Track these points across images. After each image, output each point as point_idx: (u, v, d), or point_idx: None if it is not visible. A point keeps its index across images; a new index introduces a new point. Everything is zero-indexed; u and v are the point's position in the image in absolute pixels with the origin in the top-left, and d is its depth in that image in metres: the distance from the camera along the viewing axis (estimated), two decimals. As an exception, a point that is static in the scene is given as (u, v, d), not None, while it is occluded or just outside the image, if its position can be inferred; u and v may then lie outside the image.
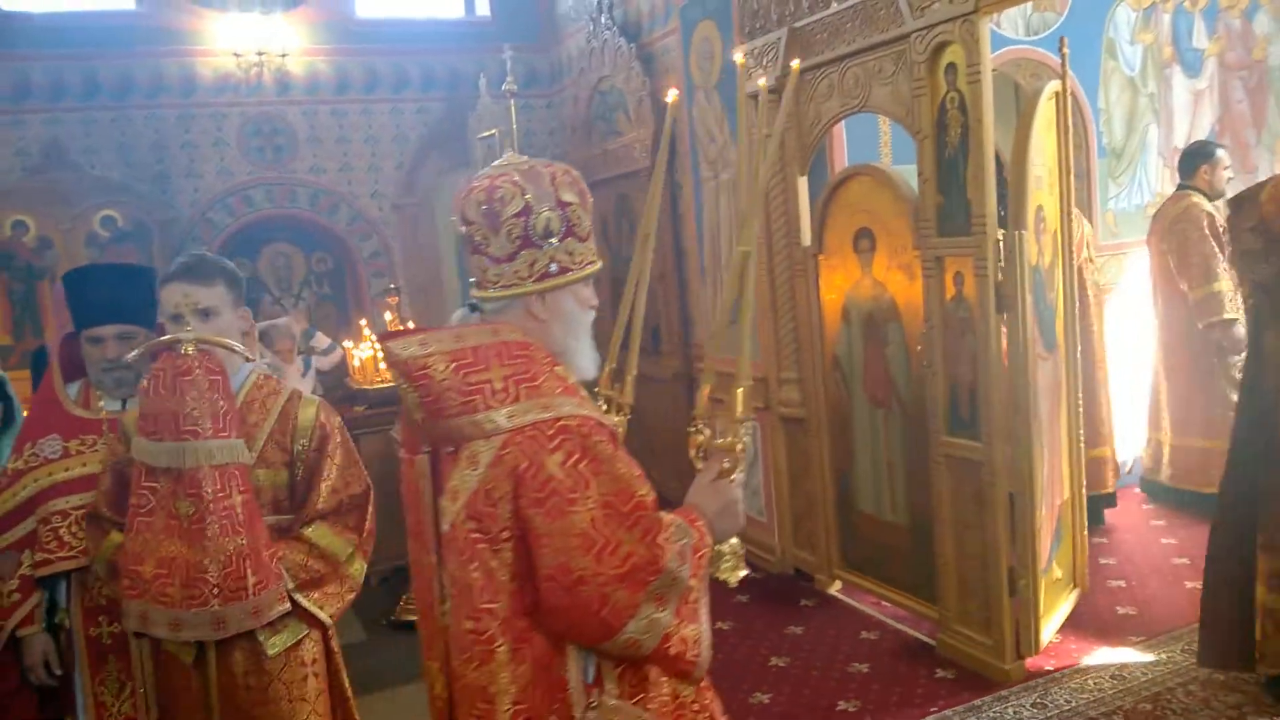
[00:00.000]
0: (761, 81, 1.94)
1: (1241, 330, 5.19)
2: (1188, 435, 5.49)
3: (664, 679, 1.68)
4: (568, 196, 1.69)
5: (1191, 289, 5.23)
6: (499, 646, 1.59)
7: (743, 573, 1.82)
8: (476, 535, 1.58)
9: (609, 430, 1.63)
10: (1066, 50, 4.15)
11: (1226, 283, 5.11)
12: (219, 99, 7.23)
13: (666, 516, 1.64)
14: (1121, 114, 6.18)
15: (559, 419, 1.57)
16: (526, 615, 1.59)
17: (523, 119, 7.65)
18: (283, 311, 6.80)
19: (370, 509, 2.57)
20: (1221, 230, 5.06)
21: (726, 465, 1.75)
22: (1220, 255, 5.11)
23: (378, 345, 5.28)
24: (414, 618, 2.85)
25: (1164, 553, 5.03)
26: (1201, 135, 6.39)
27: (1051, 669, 3.85)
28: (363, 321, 6.23)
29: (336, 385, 6.15)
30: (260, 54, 7.09)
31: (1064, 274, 4.17)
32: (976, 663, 3.87)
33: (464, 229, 1.72)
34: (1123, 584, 4.65)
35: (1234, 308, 5.08)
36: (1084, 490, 4.40)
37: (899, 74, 3.93)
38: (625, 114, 6.56)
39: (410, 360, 1.59)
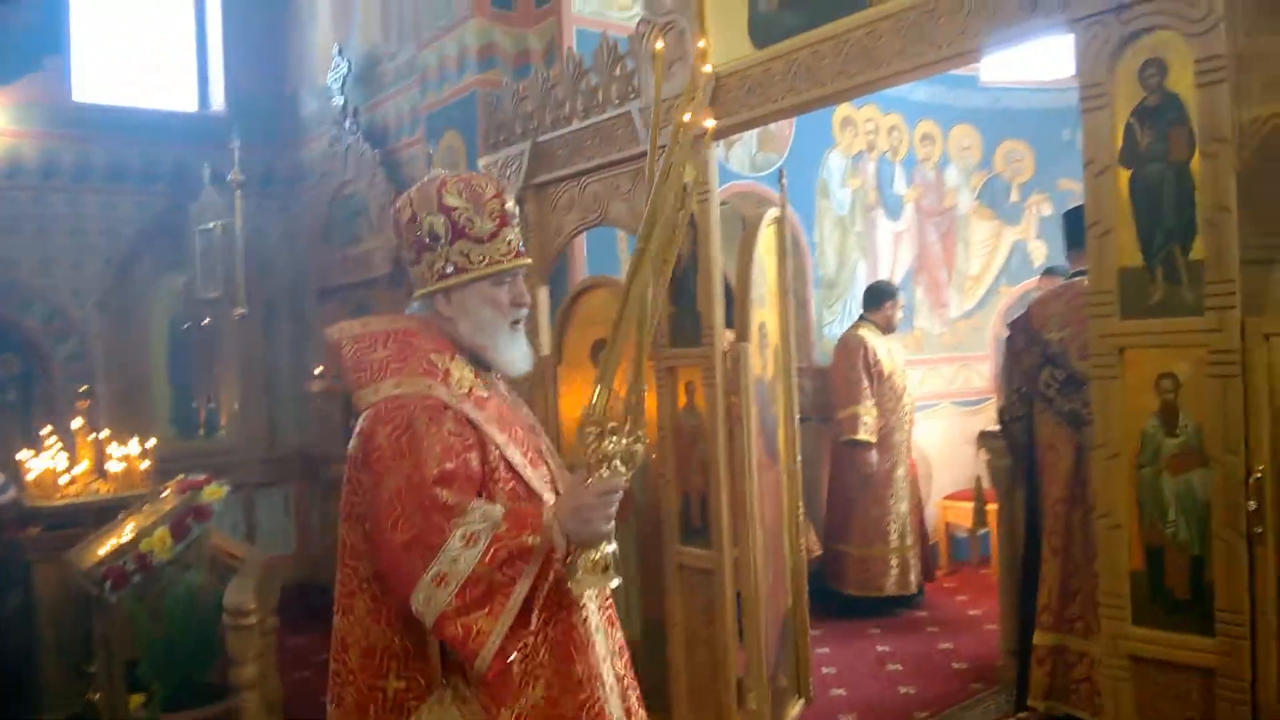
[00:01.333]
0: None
1: (873, 456, 5.90)
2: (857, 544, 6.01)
3: (535, 681, 1.78)
4: (451, 201, 1.86)
5: (838, 408, 5.92)
6: (357, 601, 1.80)
7: (611, 583, 1.73)
8: (351, 497, 1.81)
9: (450, 411, 1.76)
10: (785, 182, 4.49)
11: (868, 408, 5.82)
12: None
13: (474, 502, 1.72)
14: (833, 249, 6.77)
15: (399, 395, 1.76)
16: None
17: (256, 217, 7.31)
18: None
19: None
20: (874, 361, 5.90)
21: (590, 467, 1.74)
22: (867, 383, 5.84)
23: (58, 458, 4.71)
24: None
25: (879, 658, 5.27)
26: (902, 272, 7.11)
27: (780, 779, 3.86)
28: (45, 429, 5.51)
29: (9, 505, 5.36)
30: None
31: (785, 388, 4.39)
32: (708, 777, 3.82)
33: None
34: (843, 693, 4.81)
35: (867, 432, 5.82)
36: (805, 599, 4.55)
37: (635, 190, 4.07)
38: (367, 220, 6.41)
39: (334, 341, 1.87)
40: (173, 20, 7.71)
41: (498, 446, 1.83)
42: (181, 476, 4.17)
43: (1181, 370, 2.43)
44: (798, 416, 4.47)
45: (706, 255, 3.73)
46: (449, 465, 1.73)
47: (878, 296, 6.13)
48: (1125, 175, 2.52)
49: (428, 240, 1.87)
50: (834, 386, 5.98)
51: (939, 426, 7.11)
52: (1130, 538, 2.52)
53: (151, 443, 4.99)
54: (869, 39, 3.16)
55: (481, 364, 1.94)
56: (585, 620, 1.89)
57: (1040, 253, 7.60)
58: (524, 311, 1.95)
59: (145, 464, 4.89)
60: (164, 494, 4.16)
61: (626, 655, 2.05)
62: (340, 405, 6.90)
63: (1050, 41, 2.85)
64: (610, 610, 2.02)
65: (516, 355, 1.95)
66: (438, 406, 1.76)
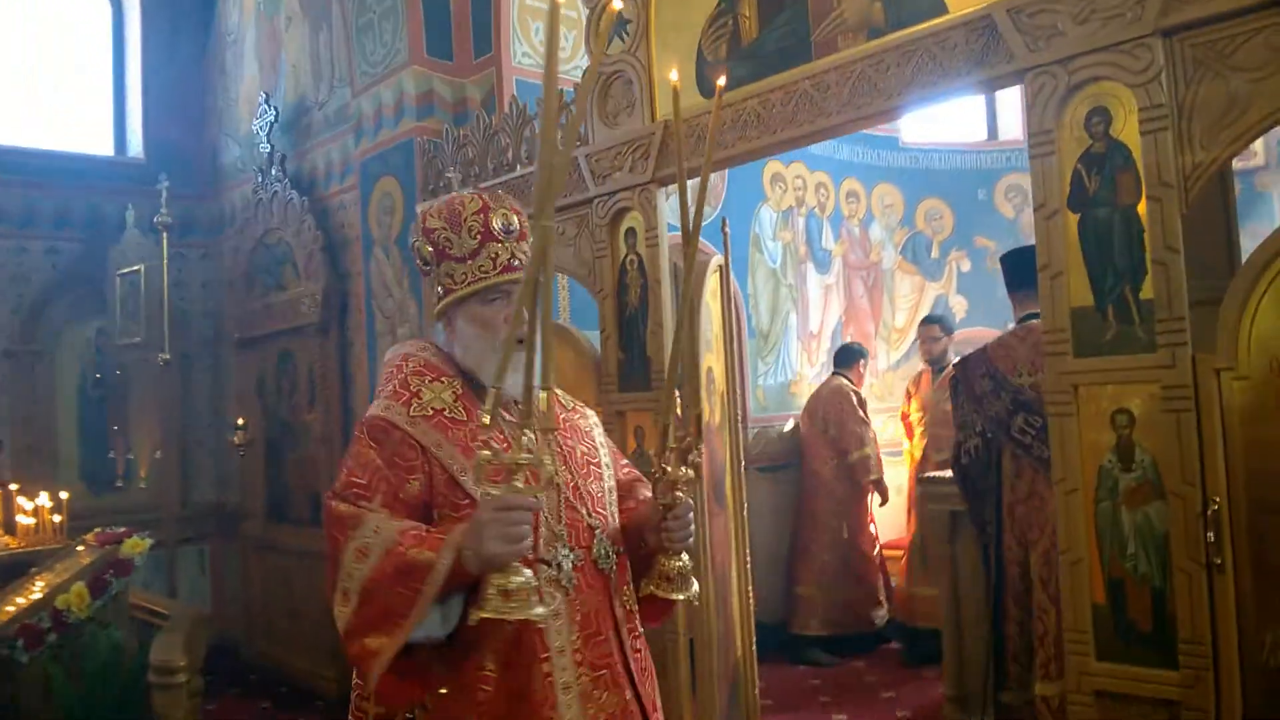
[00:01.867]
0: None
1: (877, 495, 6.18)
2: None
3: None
4: (432, 223, 1.87)
5: (846, 452, 6.16)
6: None
7: (524, 615, 1.45)
8: None
9: (398, 432, 1.75)
10: (728, 230, 4.53)
11: (874, 448, 6.24)
12: None
13: (370, 517, 1.66)
14: (766, 301, 6.85)
15: (367, 417, 1.81)
16: None
17: (176, 268, 7.07)
18: None
19: None
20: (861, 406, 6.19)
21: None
22: (868, 425, 6.22)
23: None
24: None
25: (822, 709, 5.23)
26: (832, 323, 7.24)
27: (732, 835, 3.76)
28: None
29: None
30: None
31: (731, 434, 4.38)
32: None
33: None
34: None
35: (878, 469, 6.20)
36: (754, 647, 4.50)
37: (581, 236, 4.06)
38: (293, 268, 6.25)
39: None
40: (91, 62, 7.48)
41: (451, 473, 1.74)
42: (99, 530, 3.93)
43: (1136, 406, 2.49)
44: (743, 463, 4.45)
45: (657, 298, 3.72)
46: (359, 480, 1.70)
47: (852, 356, 6.52)
48: (1074, 219, 2.61)
49: (424, 266, 1.91)
50: (837, 432, 6.20)
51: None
52: (1091, 571, 2.55)
53: (64, 495, 4.71)
54: (816, 90, 3.23)
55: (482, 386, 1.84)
56: (548, 675, 1.72)
57: (961, 307, 7.84)
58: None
59: (58, 518, 4.60)
60: (79, 549, 3.91)
61: None
62: (264, 459, 6.65)
63: (966, 105, 2.97)
64: (608, 673, 1.81)
65: (508, 376, 1.83)
66: (381, 426, 1.77)
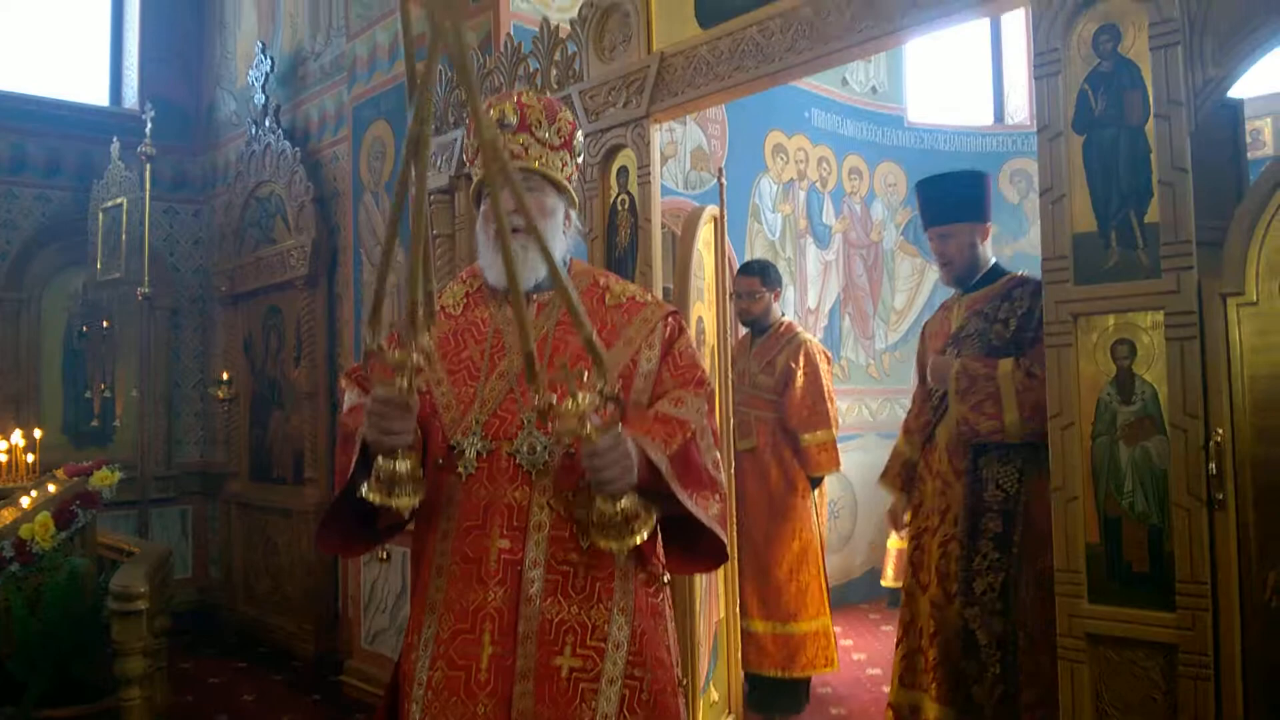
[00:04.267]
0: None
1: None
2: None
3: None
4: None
5: (802, 430, 4.76)
6: None
7: (390, 503, 1.62)
8: None
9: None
10: (724, 181, 4.41)
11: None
12: None
13: (350, 389, 1.98)
14: (765, 272, 6.73)
15: None
16: None
17: (166, 224, 7.01)
18: None
19: None
20: None
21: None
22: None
23: None
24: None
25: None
26: (830, 301, 7.12)
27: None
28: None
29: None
30: None
31: (720, 390, 4.27)
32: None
33: None
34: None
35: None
36: (738, 613, 4.39)
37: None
38: (284, 220, 6.14)
39: None
40: (89, 10, 7.38)
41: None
42: (70, 464, 3.83)
43: (1138, 336, 2.38)
44: (732, 422, 4.34)
45: (648, 238, 3.61)
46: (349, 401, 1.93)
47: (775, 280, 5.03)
48: (1079, 141, 2.49)
49: (577, 149, 1.99)
50: (800, 400, 4.74)
51: (864, 459, 7.05)
52: (1086, 510, 2.43)
53: (37, 434, 4.60)
54: (816, 15, 3.11)
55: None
56: (430, 554, 1.84)
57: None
58: (514, 218, 1.64)
59: (30, 457, 4.50)
60: (49, 486, 3.80)
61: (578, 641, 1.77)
62: (248, 416, 6.55)
63: (974, 86, 2.89)
64: (478, 566, 1.77)
65: (496, 270, 1.90)
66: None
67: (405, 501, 1.62)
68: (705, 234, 4.14)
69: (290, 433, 6.14)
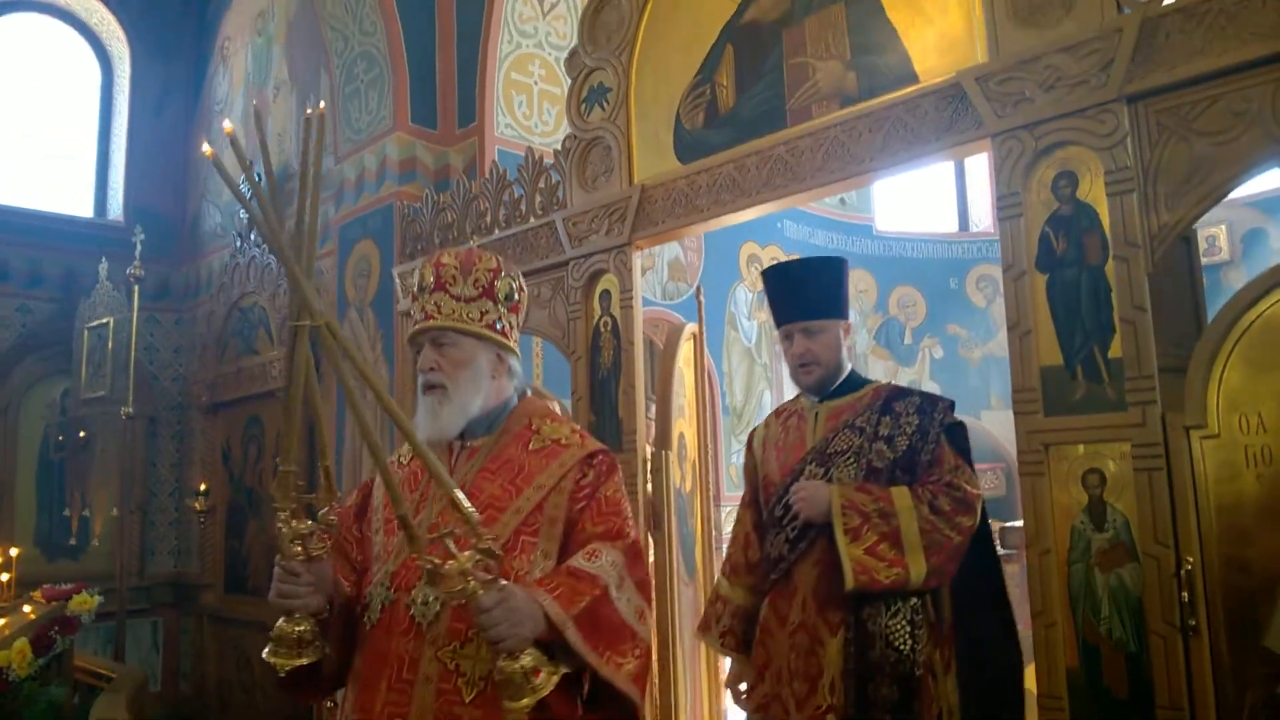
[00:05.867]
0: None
1: None
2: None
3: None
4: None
5: None
6: None
7: (272, 657, 1.71)
8: None
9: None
10: (702, 299, 4.55)
11: None
12: None
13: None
14: (741, 378, 6.86)
15: None
16: None
17: (147, 332, 7.03)
18: None
19: None
20: None
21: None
22: None
23: None
24: None
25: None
26: (806, 405, 7.24)
27: None
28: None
29: None
30: None
31: (701, 503, 4.32)
32: None
33: None
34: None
35: None
36: (721, 727, 4.35)
37: (556, 298, 4.06)
38: (267, 332, 6.21)
39: None
40: (77, 123, 7.54)
41: (374, 510, 2.02)
42: (47, 586, 3.79)
43: (1107, 466, 2.47)
44: (714, 534, 4.39)
45: (630, 360, 3.71)
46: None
47: None
48: (1042, 279, 2.63)
49: (500, 295, 2.03)
50: None
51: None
52: (1065, 635, 2.49)
53: (14, 552, 4.55)
54: (791, 155, 3.28)
55: None
56: (343, 704, 1.90)
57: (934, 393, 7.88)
58: (425, 377, 1.95)
59: (5, 576, 4.44)
60: (25, 608, 3.76)
61: None
62: (225, 527, 6.49)
63: (939, 196, 3.03)
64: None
65: (419, 421, 1.96)
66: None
67: (306, 661, 1.70)
68: (685, 351, 4.26)
69: (267, 544, 6.08)
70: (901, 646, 2.49)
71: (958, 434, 2.65)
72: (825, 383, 2.81)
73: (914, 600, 2.51)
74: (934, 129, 2.91)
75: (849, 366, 2.85)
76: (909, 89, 2.98)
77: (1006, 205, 2.71)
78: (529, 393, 2.13)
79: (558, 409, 2.05)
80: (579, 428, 2.05)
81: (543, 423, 2.01)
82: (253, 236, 6.37)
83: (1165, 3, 2.48)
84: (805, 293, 2.85)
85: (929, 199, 8.67)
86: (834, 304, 2.82)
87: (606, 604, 1.76)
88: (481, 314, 1.96)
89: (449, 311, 1.94)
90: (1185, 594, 2.28)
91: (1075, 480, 2.53)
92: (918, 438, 2.62)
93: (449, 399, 1.93)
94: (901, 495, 2.54)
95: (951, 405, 2.68)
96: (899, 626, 2.50)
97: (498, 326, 1.97)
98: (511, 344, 2.01)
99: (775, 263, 3.03)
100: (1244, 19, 2.34)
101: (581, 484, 1.92)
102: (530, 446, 1.97)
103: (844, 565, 2.47)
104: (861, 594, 2.50)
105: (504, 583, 1.61)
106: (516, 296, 2.03)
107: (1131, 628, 2.40)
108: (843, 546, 2.50)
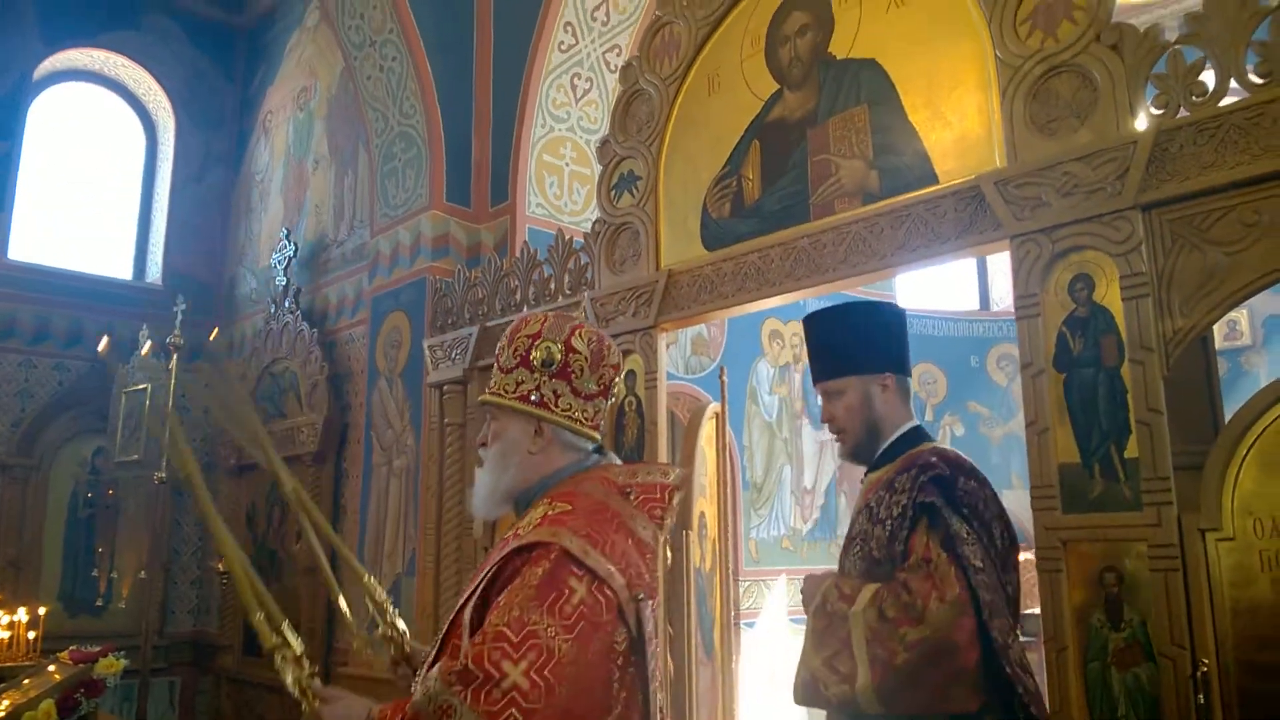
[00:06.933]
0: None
1: None
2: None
3: None
4: (578, 344, 1.87)
5: None
6: None
7: None
8: None
9: None
10: (725, 380, 4.63)
11: None
12: None
13: None
14: (762, 453, 6.91)
15: None
16: None
17: (178, 393, 7.14)
18: None
19: None
20: None
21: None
22: None
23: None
24: None
25: None
26: (825, 481, 7.25)
27: None
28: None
29: None
30: None
31: (721, 582, 4.35)
32: None
33: None
34: None
35: None
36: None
37: (582, 377, 4.15)
38: (297, 397, 6.34)
39: None
40: (119, 189, 7.81)
41: None
42: (74, 648, 3.85)
43: (1124, 565, 2.51)
44: (734, 613, 4.41)
45: (653, 439, 3.77)
46: None
47: None
48: (1059, 378, 2.69)
49: (528, 364, 1.85)
50: None
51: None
52: (1082, 735, 2.50)
53: (42, 611, 4.62)
54: (813, 248, 3.38)
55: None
56: None
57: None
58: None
59: (32, 634, 4.51)
60: (50, 668, 3.82)
61: None
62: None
63: (960, 275, 3.07)
64: None
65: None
66: None
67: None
68: (708, 430, 4.32)
69: (288, 605, 6.11)
70: None
71: (932, 512, 2.22)
72: (861, 450, 2.51)
73: None
74: (954, 228, 3.00)
75: (905, 426, 2.50)
76: (929, 189, 3.08)
77: (1025, 305, 2.79)
78: (598, 463, 1.91)
79: (621, 477, 1.87)
80: (569, 511, 1.74)
81: (547, 505, 1.78)
82: (286, 304, 6.53)
83: (1179, 116, 2.58)
84: (821, 349, 2.61)
85: (950, 277, 8.76)
86: (854, 359, 2.51)
87: None
88: (517, 384, 1.85)
89: (493, 387, 1.90)
90: (1201, 696, 2.30)
91: (1093, 578, 2.56)
92: (898, 521, 2.26)
93: (480, 476, 1.93)
94: (865, 593, 2.21)
95: (936, 478, 2.24)
96: None
97: (533, 398, 1.84)
98: (554, 413, 1.84)
99: (816, 310, 2.71)
100: (1255, 134, 2.43)
101: (503, 580, 1.69)
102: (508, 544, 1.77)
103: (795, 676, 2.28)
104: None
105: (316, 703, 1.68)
106: (559, 360, 1.84)
107: (1148, 729, 2.41)
108: (802, 654, 2.28)
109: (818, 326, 2.64)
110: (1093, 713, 2.50)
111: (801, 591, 2.41)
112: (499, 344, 1.92)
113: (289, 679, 1.67)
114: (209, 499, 1.86)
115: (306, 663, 1.71)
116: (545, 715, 1.53)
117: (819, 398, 2.63)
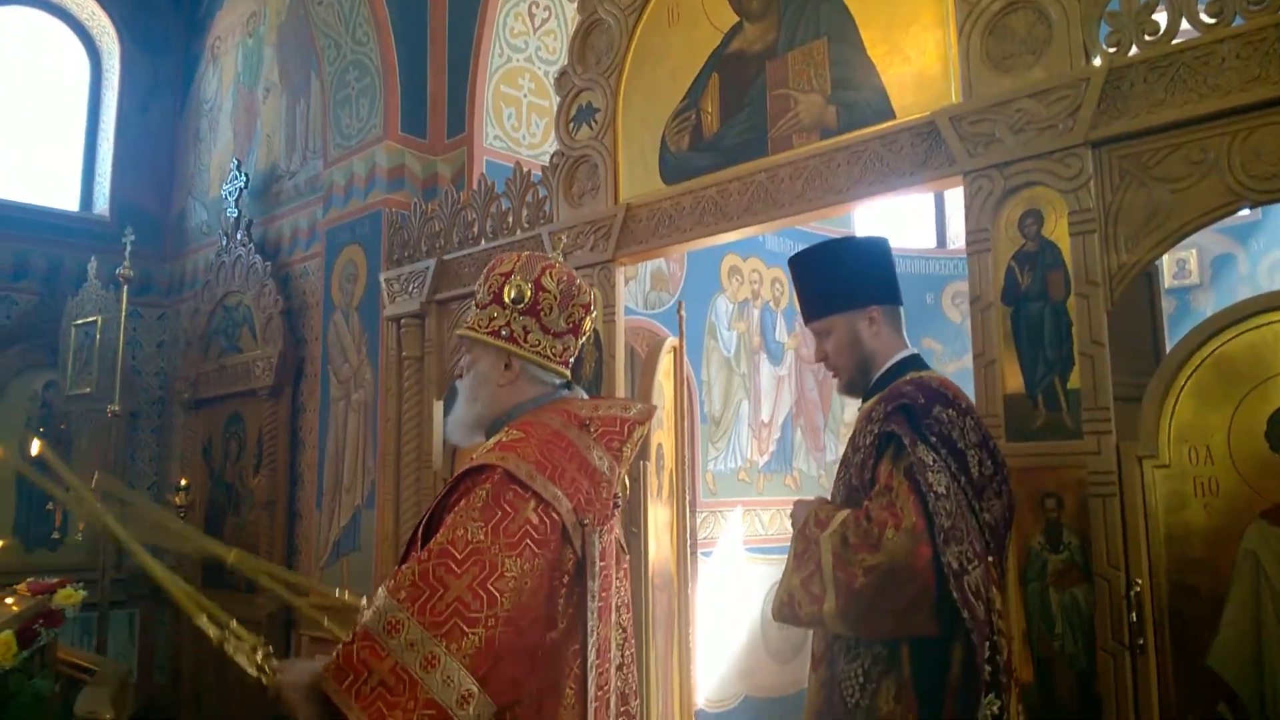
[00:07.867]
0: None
1: None
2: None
3: None
4: (547, 283, 1.96)
5: None
6: None
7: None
8: None
9: None
10: (684, 314, 4.67)
11: None
12: None
13: None
14: (720, 388, 6.98)
15: None
16: None
17: (129, 327, 7.03)
18: None
19: None
20: None
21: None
22: None
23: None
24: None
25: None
26: (783, 414, 7.36)
27: None
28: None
29: None
30: None
31: (677, 513, 4.44)
32: None
33: None
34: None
35: None
36: (691, 731, 4.46)
37: (541, 310, 4.15)
38: (251, 330, 6.27)
39: None
40: (64, 117, 7.57)
41: None
42: (31, 579, 3.85)
43: (1064, 491, 2.60)
44: (690, 543, 4.50)
45: (611, 373, 3.81)
46: None
47: None
48: (1006, 312, 2.76)
49: (497, 301, 1.94)
50: None
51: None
52: (1020, 651, 2.62)
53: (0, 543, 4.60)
54: (771, 182, 3.40)
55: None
56: None
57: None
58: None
59: (-13, 570, 4.49)
60: (9, 600, 3.81)
61: None
62: (204, 522, 6.54)
63: (918, 213, 3.10)
64: None
65: None
66: None
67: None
68: (666, 364, 4.37)
69: (246, 540, 6.14)
70: (849, 697, 2.22)
71: (897, 442, 2.20)
72: (856, 384, 2.51)
73: (878, 648, 2.18)
74: (909, 163, 3.03)
75: (896, 356, 2.47)
76: (886, 124, 3.11)
77: (975, 240, 2.84)
78: (564, 397, 1.98)
79: (584, 410, 1.91)
80: (521, 439, 1.81)
81: (504, 433, 1.86)
82: (239, 236, 6.42)
83: (1131, 54, 2.62)
84: (805, 291, 2.59)
85: (907, 215, 8.82)
86: (835, 297, 2.48)
87: (362, 647, 1.61)
88: (490, 320, 1.94)
89: (469, 319, 2.00)
90: (1134, 614, 2.42)
91: (1034, 504, 2.65)
92: (868, 450, 2.27)
93: (454, 406, 2.04)
94: (835, 522, 2.23)
95: (902, 407, 2.22)
96: (852, 674, 2.22)
97: (503, 333, 1.92)
98: (522, 348, 1.92)
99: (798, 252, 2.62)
100: (1204, 73, 2.48)
101: (452, 502, 1.76)
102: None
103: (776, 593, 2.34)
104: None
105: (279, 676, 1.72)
106: (529, 298, 1.92)
107: (1083, 644, 2.53)
108: (784, 573, 2.34)
109: (799, 269, 2.59)
110: (1031, 630, 2.62)
111: (790, 515, 2.45)
112: (477, 281, 2.02)
113: (244, 662, 1.74)
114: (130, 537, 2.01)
115: (261, 647, 1.78)
116: (488, 625, 1.60)
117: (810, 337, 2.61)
